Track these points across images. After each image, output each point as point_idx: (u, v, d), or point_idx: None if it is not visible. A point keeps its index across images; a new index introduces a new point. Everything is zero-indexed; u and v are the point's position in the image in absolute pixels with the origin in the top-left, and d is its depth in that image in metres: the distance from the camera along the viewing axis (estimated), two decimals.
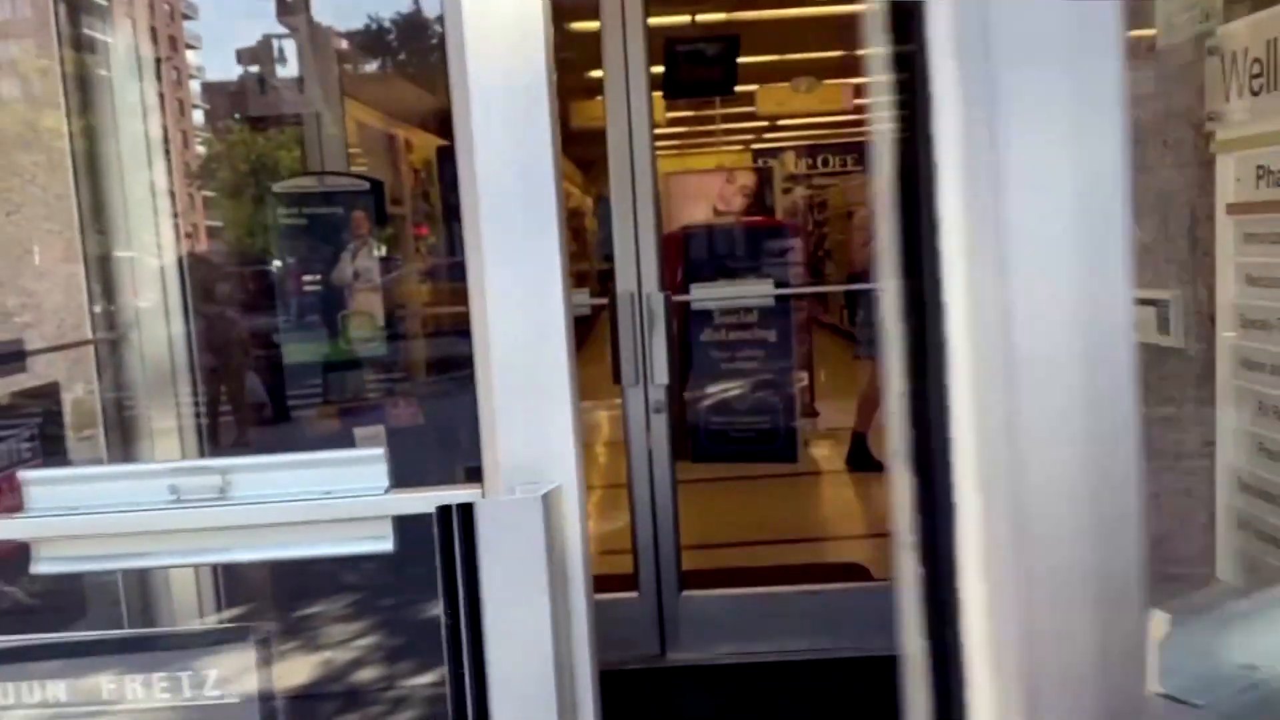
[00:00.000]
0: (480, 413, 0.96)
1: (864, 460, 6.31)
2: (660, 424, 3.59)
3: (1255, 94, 1.84)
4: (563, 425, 0.99)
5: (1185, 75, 2.17)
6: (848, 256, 6.83)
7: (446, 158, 5.18)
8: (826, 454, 6.78)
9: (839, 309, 12.88)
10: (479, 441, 0.96)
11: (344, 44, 5.10)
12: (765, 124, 15.65)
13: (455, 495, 0.89)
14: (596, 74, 3.50)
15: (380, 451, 0.99)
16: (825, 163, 18.63)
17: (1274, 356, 1.81)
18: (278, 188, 3.22)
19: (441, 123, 7.62)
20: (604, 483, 5.82)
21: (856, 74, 11.14)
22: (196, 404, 3.17)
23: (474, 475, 0.96)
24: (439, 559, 0.85)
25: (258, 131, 3.42)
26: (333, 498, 0.93)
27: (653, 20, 8.38)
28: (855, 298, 6.61)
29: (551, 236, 1.01)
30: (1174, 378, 2.29)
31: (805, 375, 7.44)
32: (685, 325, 6.38)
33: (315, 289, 3.29)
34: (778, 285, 6.56)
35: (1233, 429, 1.97)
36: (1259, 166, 1.85)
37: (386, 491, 0.95)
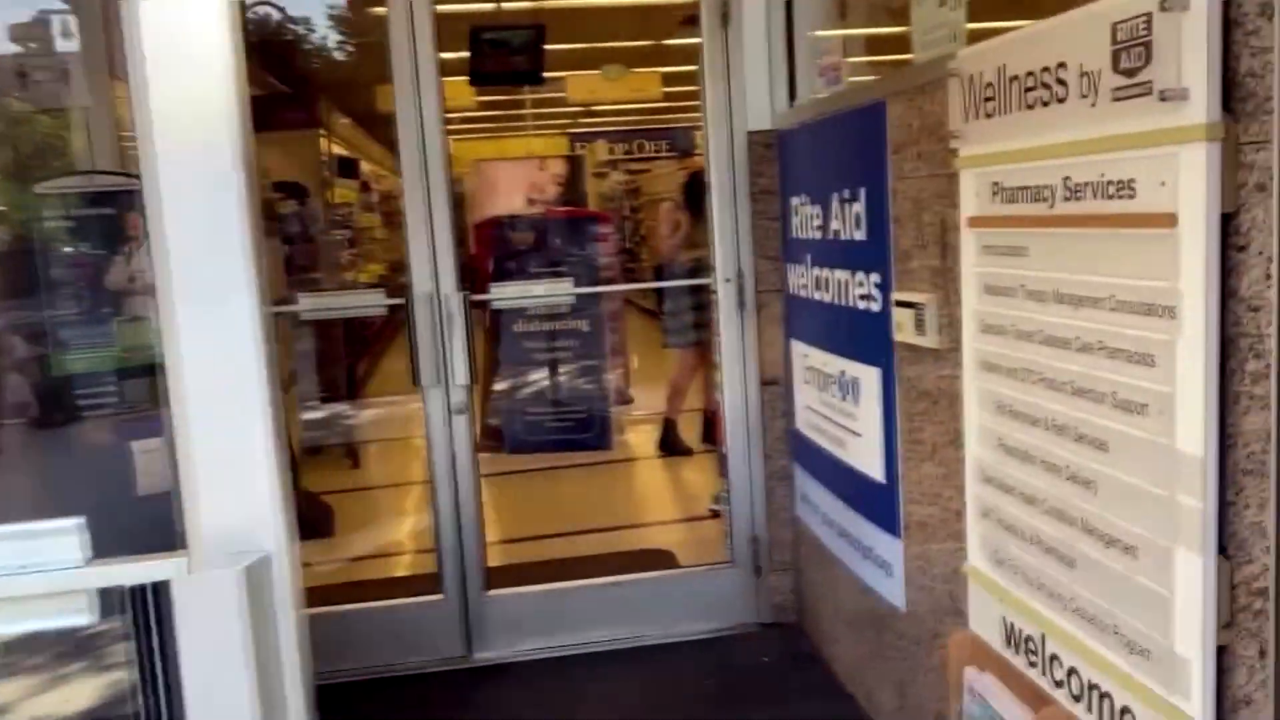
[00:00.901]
0: (180, 478, 0.93)
1: (673, 445, 6.48)
2: (461, 425, 3.57)
3: (989, 116, 1.99)
4: (268, 489, 0.97)
5: (935, 90, 2.32)
6: (655, 242, 6.95)
7: None
8: (640, 441, 6.91)
9: (652, 294, 13.12)
10: None
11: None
12: (578, 109, 15.72)
13: (159, 568, 0.86)
14: None
15: (81, 521, 0.95)
16: (639, 149, 18.89)
17: (1009, 360, 1.98)
18: (40, 188, 3.00)
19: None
20: (412, 478, 5.75)
21: (666, 63, 11.35)
22: None
23: None
24: (135, 639, 0.83)
25: (27, 120, 3.17)
26: (26, 572, 0.88)
27: (458, 7, 8.25)
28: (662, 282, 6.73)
29: (244, 294, 0.99)
30: (931, 376, 2.47)
31: (620, 361, 7.56)
32: (495, 315, 6.36)
33: (86, 293, 3.09)
34: (591, 274, 6.64)
35: (976, 425, 2.13)
36: (993, 183, 2.00)
37: (87, 564, 0.90)
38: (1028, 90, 1.85)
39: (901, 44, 2.93)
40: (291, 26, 8.83)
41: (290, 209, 7.93)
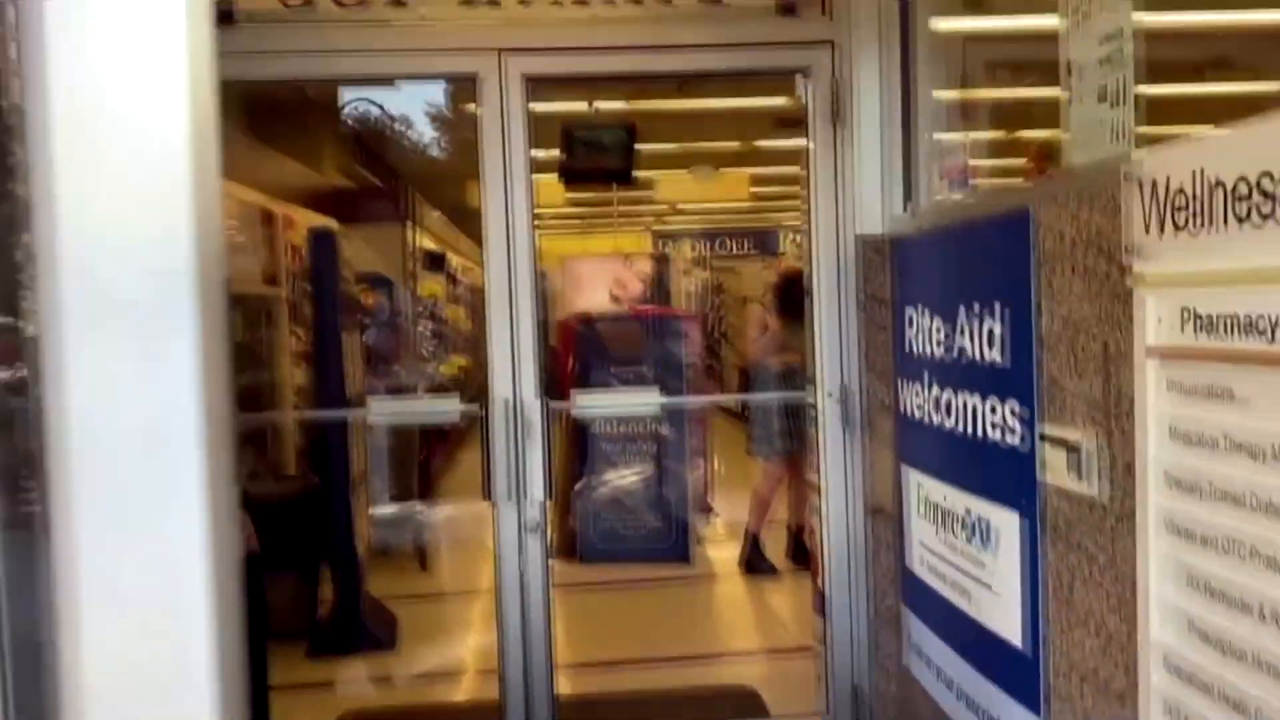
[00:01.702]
0: None
1: (757, 563, 6.07)
2: (535, 545, 3.26)
3: (1180, 228, 1.66)
4: None
5: (1097, 196, 2.00)
6: (743, 344, 6.66)
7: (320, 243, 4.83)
8: (721, 555, 6.51)
9: (736, 392, 12.79)
10: None
11: None
12: (665, 208, 15.72)
13: None
14: None
15: None
16: (724, 247, 18.79)
17: (1208, 527, 1.60)
18: None
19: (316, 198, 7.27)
20: (482, 586, 5.43)
21: (755, 163, 11.23)
22: None
23: None
24: None
25: None
26: None
27: (552, 106, 8.24)
28: (749, 390, 6.41)
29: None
30: (1090, 530, 2.08)
31: (701, 467, 7.21)
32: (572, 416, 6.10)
33: None
34: (675, 375, 6.36)
35: (1158, 600, 1.75)
36: (1186, 309, 1.66)
37: None
38: (1239, 200, 1.51)
39: (1019, 147, 2.64)
40: (388, 122, 8.89)
41: (374, 301, 7.86)
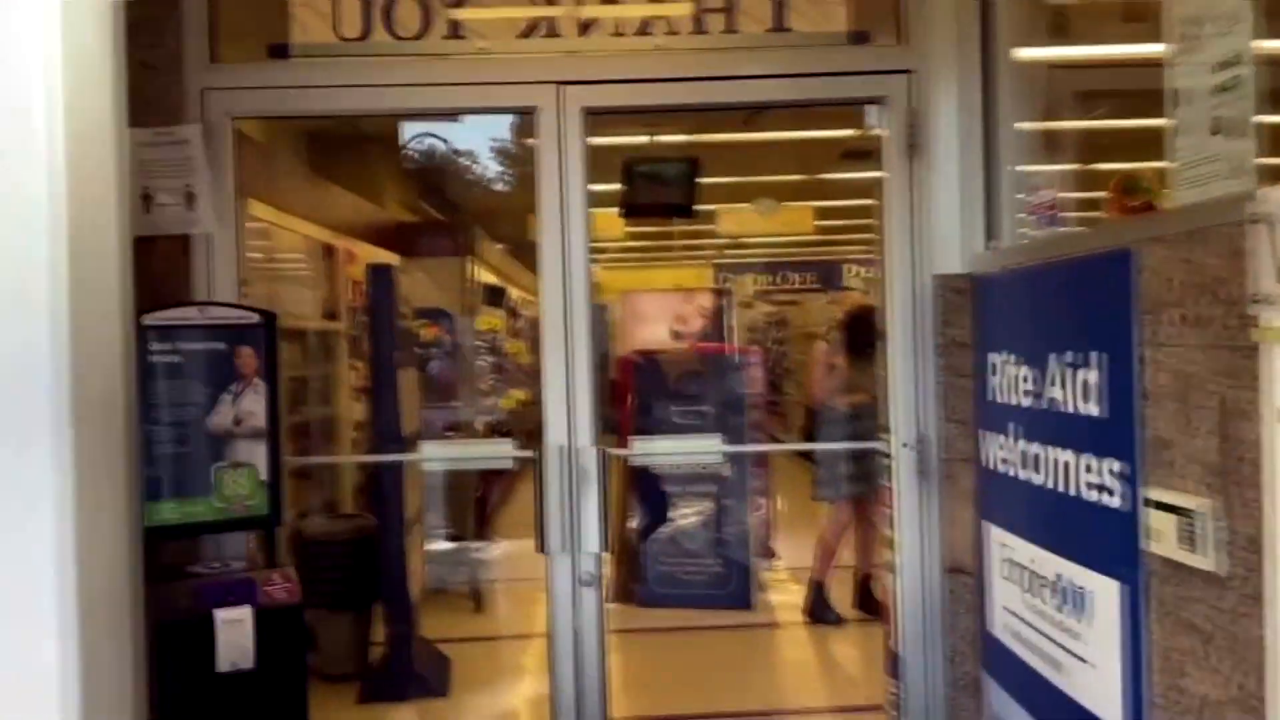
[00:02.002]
0: None
1: (822, 612, 5.82)
2: (590, 599, 3.10)
3: None
4: None
5: (1212, 238, 1.80)
6: (808, 383, 6.45)
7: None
8: (784, 601, 6.27)
9: (798, 430, 12.52)
10: None
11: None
12: (727, 242, 15.58)
13: None
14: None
15: None
16: (786, 281, 18.60)
17: None
18: (149, 320, 2.75)
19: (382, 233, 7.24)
20: (538, 629, 5.27)
21: (819, 196, 11.05)
22: None
23: None
24: None
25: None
26: None
27: (611, 139, 8.16)
28: (814, 430, 6.19)
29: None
30: (1204, 607, 1.86)
31: (763, 507, 6.99)
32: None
33: (185, 436, 2.80)
34: (737, 415, 6.16)
35: None
36: None
37: None
38: None
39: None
40: (450, 156, 8.89)
41: (433, 335, 7.81)
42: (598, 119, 3.17)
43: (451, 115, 3.12)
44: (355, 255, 6.83)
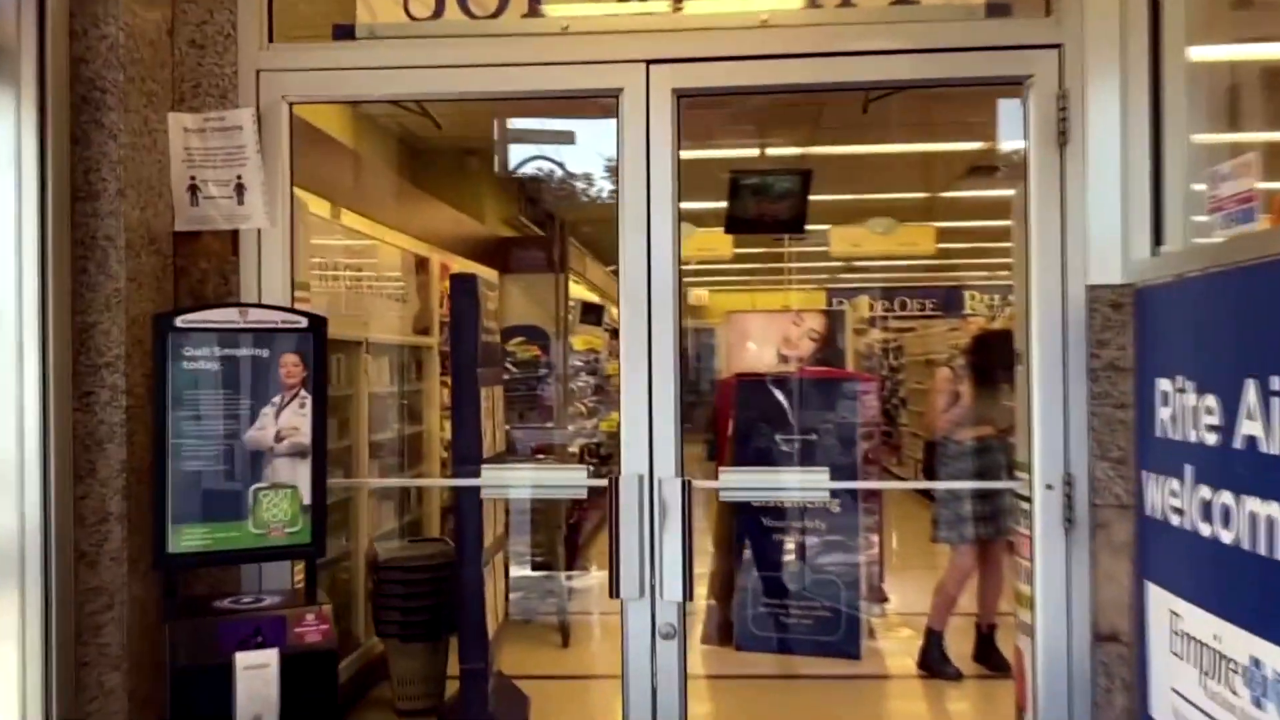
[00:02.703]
0: None
1: (938, 665, 5.26)
2: (670, 654, 2.68)
3: None
4: None
5: None
6: (928, 414, 5.90)
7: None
8: (896, 650, 5.72)
9: (914, 464, 11.86)
10: None
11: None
12: (839, 264, 15.00)
13: None
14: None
15: None
16: (903, 306, 17.88)
17: None
18: (183, 321, 2.47)
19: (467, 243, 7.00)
20: None
21: (940, 216, 10.46)
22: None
23: None
24: None
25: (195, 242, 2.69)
26: None
27: (716, 152, 7.76)
28: (933, 465, 5.64)
29: None
30: None
31: (874, 544, 6.45)
32: None
33: (222, 451, 2.51)
34: (847, 447, 5.66)
35: None
36: None
37: None
38: None
39: None
40: (566, 179, 8.63)
41: (529, 354, 7.53)
42: (694, 113, 2.78)
43: (527, 99, 2.75)
44: (450, 269, 6.60)
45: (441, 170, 7.22)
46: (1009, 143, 7.63)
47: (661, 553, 2.65)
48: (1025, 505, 2.80)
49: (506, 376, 7.27)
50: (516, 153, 8.00)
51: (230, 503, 2.52)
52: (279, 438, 2.56)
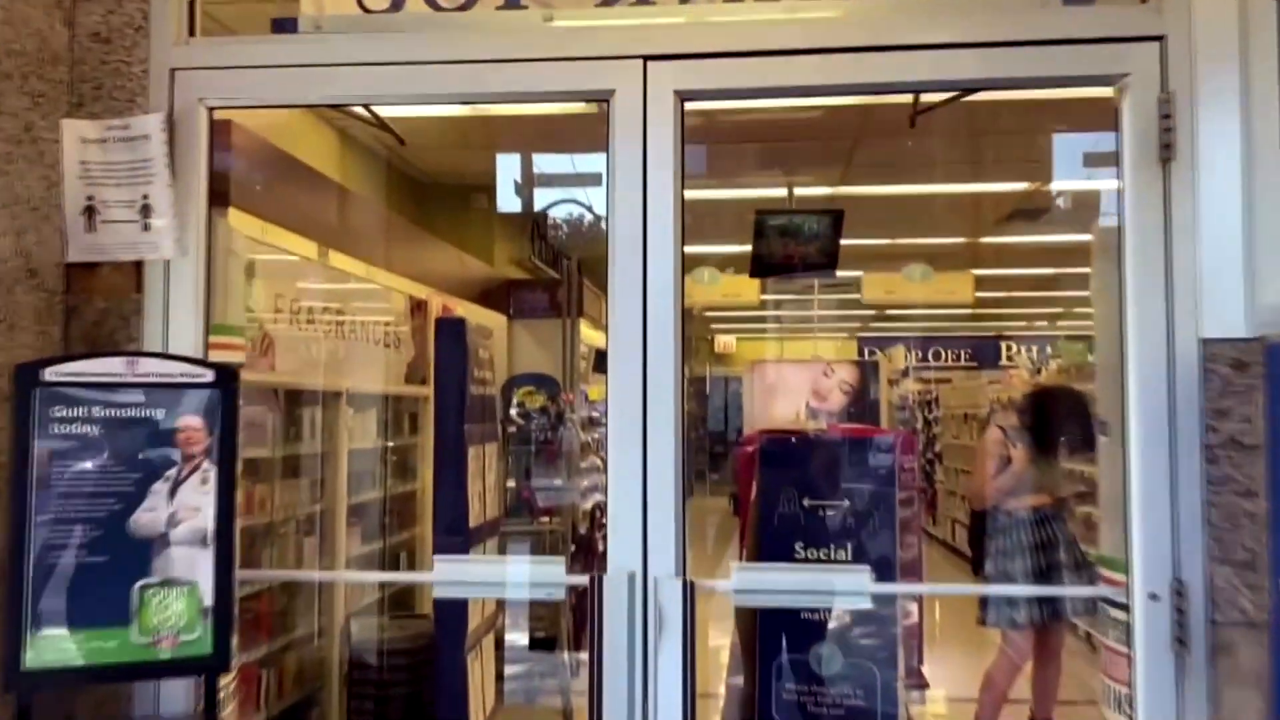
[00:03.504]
0: None
1: None
2: None
3: None
4: None
5: None
6: (976, 479, 5.29)
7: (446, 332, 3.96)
8: None
9: (949, 523, 11.17)
10: None
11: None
12: (873, 313, 14.44)
13: None
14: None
15: None
16: (936, 356, 17.26)
17: None
18: (51, 374, 1.96)
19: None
20: None
21: (978, 264, 9.90)
22: None
23: None
24: None
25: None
26: None
27: (739, 192, 7.25)
28: (982, 536, 5.03)
29: None
30: None
31: (912, 617, 5.80)
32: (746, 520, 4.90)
33: (100, 539, 1.98)
34: (885, 517, 5.06)
35: None
36: None
37: None
38: None
39: None
40: (594, 221, 8.15)
41: (538, 404, 7.00)
42: (715, 148, 2.27)
43: (499, 102, 2.25)
44: (451, 313, 6.10)
45: (444, 207, 6.76)
46: (1061, 182, 7.09)
47: (656, 673, 2.08)
48: (1116, 614, 2.22)
49: (513, 428, 6.75)
50: (540, 196, 7.56)
51: (109, 604, 1.99)
52: (174, 521, 2.03)
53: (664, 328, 2.17)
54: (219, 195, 3.15)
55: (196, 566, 2.04)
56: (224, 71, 2.29)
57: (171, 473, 2.04)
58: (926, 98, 2.97)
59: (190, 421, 2.05)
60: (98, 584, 1.98)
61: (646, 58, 2.18)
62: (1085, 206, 8.25)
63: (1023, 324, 16.64)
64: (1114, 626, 2.25)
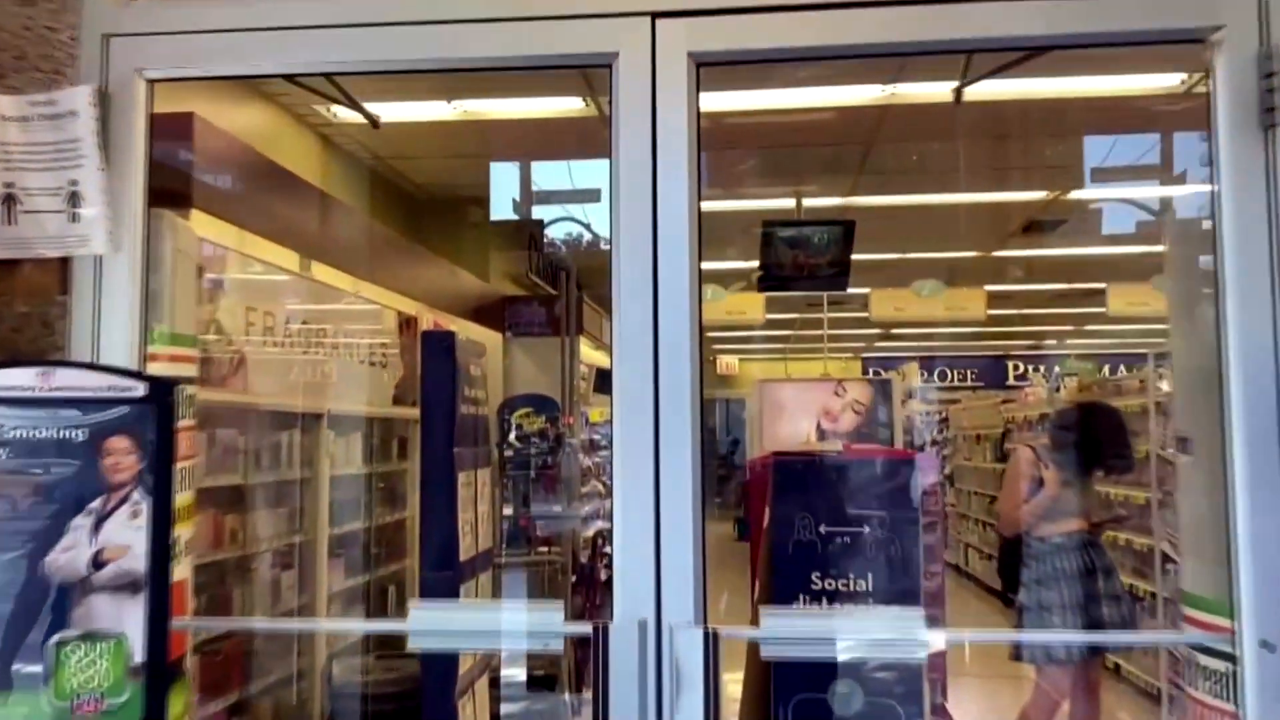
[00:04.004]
0: None
1: None
2: None
3: None
4: None
5: None
6: (1008, 502, 4.95)
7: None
8: None
9: (964, 548, 10.81)
10: None
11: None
12: (878, 332, 14.13)
13: None
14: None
15: None
16: (944, 376, 16.96)
17: None
18: None
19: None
20: None
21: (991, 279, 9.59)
22: None
23: None
24: None
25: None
26: None
27: (752, 204, 6.95)
28: (1014, 565, 4.68)
29: None
30: None
31: (938, 654, 5.45)
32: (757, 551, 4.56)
33: (8, 584, 1.66)
34: (906, 540, 4.73)
35: None
36: None
37: None
38: None
39: None
40: (589, 239, 7.86)
41: (536, 427, 6.66)
42: (718, 155, 1.98)
43: (477, 70, 1.92)
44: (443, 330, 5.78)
45: (437, 221, 6.46)
46: (1097, 189, 6.79)
47: None
48: (1210, 662, 1.88)
49: (509, 452, 6.42)
50: (538, 212, 7.26)
51: (21, 662, 1.65)
52: (98, 563, 1.70)
53: (679, 337, 1.85)
54: (177, 194, 2.85)
55: (125, 616, 1.71)
56: (165, 38, 1.97)
57: (95, 505, 1.71)
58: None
59: (117, 444, 1.72)
60: (3, 639, 1.65)
61: (655, 14, 1.86)
62: (1103, 215, 7.96)
63: (1030, 343, 16.36)
64: (1207, 677, 1.92)
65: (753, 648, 4.48)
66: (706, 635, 1.75)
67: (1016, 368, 17.37)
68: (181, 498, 2.27)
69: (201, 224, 3.21)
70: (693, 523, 1.77)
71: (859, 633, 1.83)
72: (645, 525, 1.78)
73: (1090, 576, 4.29)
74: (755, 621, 4.13)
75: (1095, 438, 4.31)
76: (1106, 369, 13.00)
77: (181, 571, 2.30)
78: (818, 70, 4.50)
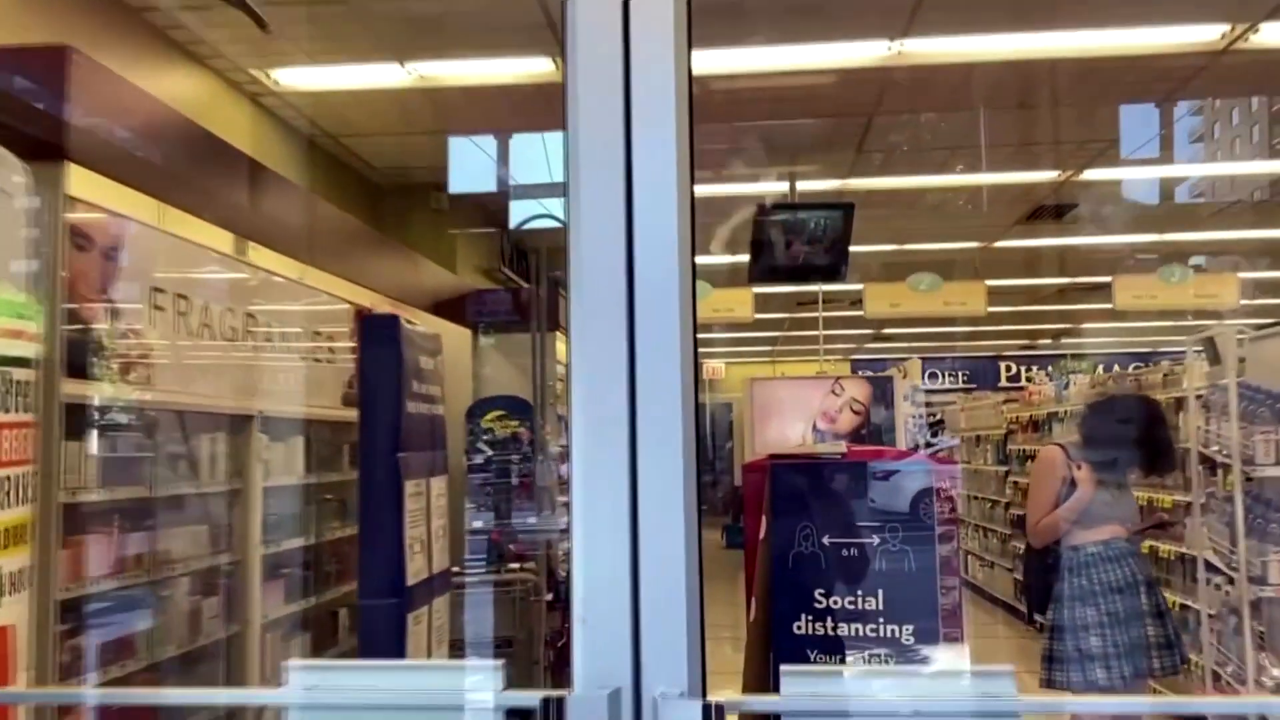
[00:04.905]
0: None
1: None
2: None
3: None
4: None
5: None
6: (1035, 508, 4.44)
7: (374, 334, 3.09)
8: None
9: (963, 555, 10.33)
10: None
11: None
12: (869, 331, 13.65)
13: None
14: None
15: None
16: (934, 377, 16.52)
17: None
18: None
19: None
20: None
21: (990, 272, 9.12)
22: None
23: None
24: None
25: None
26: None
27: (742, 188, 6.42)
28: (1042, 578, 4.16)
29: None
30: None
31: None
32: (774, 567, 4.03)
33: None
34: (922, 551, 4.20)
35: None
36: None
37: None
38: None
39: None
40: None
41: (508, 431, 6.11)
42: (703, 129, 1.43)
43: None
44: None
45: (396, 204, 5.92)
46: (1090, 172, 6.30)
47: None
48: None
49: (479, 459, 5.88)
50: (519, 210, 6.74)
51: None
52: None
53: (669, 330, 1.30)
54: (40, 142, 2.32)
55: None
56: None
57: None
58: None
59: None
60: None
61: None
62: (1117, 200, 7.49)
63: (1025, 342, 15.93)
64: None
65: (750, 662, 3.92)
66: (707, 711, 1.20)
67: (1009, 369, 16.97)
68: (6, 515, 1.73)
69: (84, 182, 2.66)
70: (687, 558, 1.22)
71: (921, 697, 1.27)
72: (616, 554, 1.23)
73: (1131, 591, 3.77)
74: (750, 643, 3.59)
75: (1137, 433, 3.79)
76: (1100, 368, 12.59)
77: (7, 615, 1.75)
78: (820, 21, 3.99)
